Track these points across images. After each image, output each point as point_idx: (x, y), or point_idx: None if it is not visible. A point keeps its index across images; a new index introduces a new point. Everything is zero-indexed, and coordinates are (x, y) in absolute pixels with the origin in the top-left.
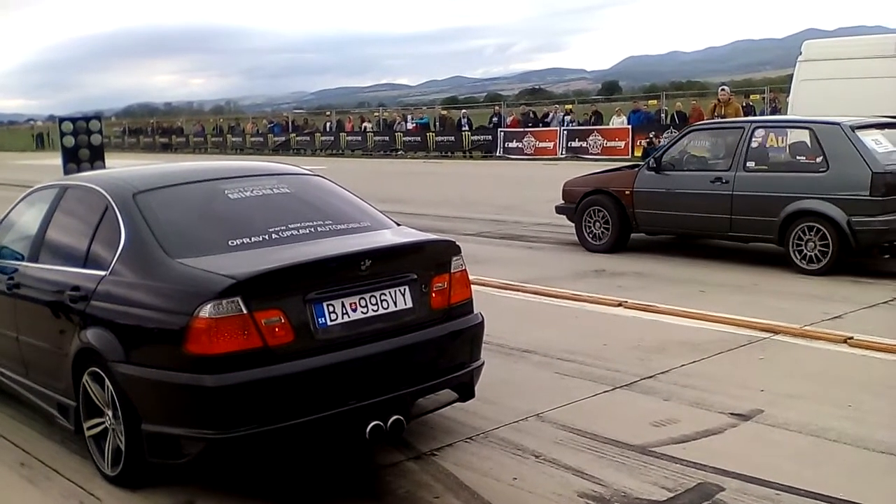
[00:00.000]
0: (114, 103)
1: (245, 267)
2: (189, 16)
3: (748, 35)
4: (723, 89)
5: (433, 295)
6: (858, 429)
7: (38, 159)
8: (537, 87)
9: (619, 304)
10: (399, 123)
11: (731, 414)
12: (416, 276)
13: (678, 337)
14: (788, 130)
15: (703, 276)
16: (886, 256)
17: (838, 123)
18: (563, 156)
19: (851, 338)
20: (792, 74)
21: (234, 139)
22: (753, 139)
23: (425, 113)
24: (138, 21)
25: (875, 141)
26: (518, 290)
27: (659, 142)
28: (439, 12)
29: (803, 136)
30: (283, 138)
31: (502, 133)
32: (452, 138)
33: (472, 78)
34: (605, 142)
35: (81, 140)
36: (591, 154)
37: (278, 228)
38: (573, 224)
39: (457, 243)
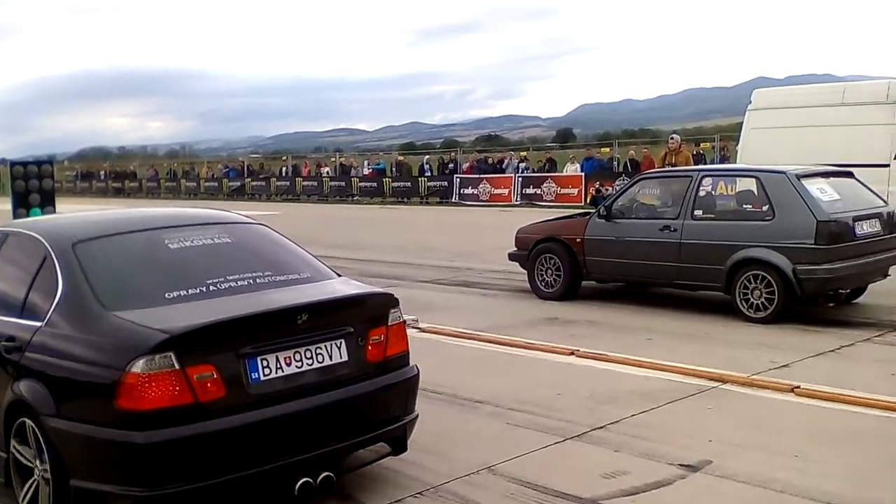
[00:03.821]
0: (67, 147)
1: (180, 321)
2: (146, 59)
3: (699, 83)
4: (672, 138)
5: (369, 348)
6: (804, 479)
7: None
8: (493, 133)
9: (572, 353)
10: (356, 169)
11: (681, 465)
12: (352, 329)
13: (629, 386)
14: (735, 179)
15: (653, 325)
16: (832, 305)
17: (784, 172)
18: (517, 202)
19: (798, 387)
20: (742, 122)
21: (188, 184)
22: (701, 188)
23: (382, 158)
24: (96, 64)
25: (820, 190)
26: (472, 339)
27: (607, 190)
28: (399, 58)
29: (750, 184)
30: (239, 183)
31: (458, 179)
32: (409, 184)
33: (430, 124)
34: (559, 189)
35: (32, 185)
36: (546, 201)
37: (217, 280)
38: (526, 271)
39: (394, 296)
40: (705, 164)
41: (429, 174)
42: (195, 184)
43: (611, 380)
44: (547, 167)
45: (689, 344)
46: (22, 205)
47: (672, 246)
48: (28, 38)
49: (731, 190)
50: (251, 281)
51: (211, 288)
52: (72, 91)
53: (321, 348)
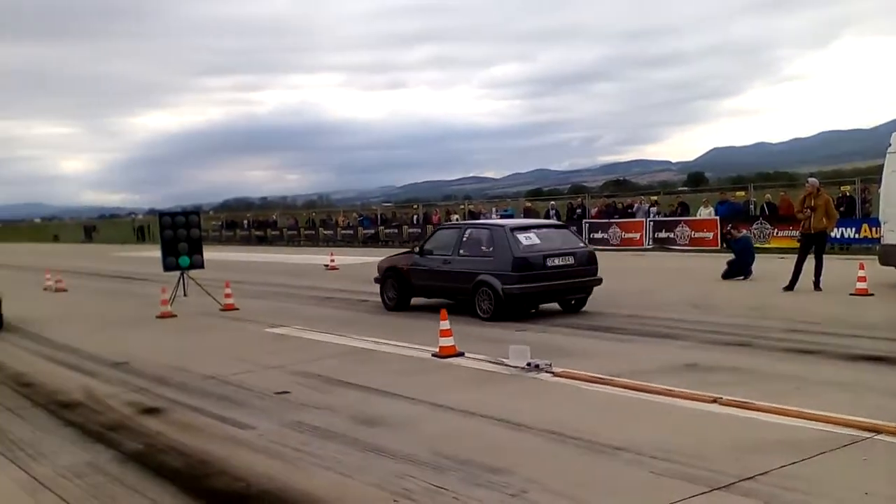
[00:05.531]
0: (212, 198)
1: None
2: (286, 115)
3: (835, 126)
4: (809, 181)
5: None
6: None
7: (138, 251)
8: (622, 178)
9: (714, 401)
10: (485, 215)
11: None
12: None
13: (776, 436)
14: (481, 230)
15: (801, 372)
16: (533, 311)
17: (503, 226)
18: (649, 246)
19: None
20: (882, 164)
21: (325, 232)
22: (465, 235)
23: (510, 205)
24: (238, 119)
25: (526, 237)
26: (608, 384)
27: (738, 232)
28: (526, 107)
29: (486, 234)
30: (372, 231)
31: (587, 224)
32: None
33: (557, 170)
34: (693, 233)
35: (181, 234)
36: (679, 245)
37: None
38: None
39: None
40: (855, 205)
41: (555, 219)
42: (332, 232)
43: (756, 429)
44: (679, 211)
45: (840, 392)
46: (171, 253)
47: (449, 273)
48: (172, 98)
49: (479, 237)
50: None
51: None
52: (213, 146)
53: None
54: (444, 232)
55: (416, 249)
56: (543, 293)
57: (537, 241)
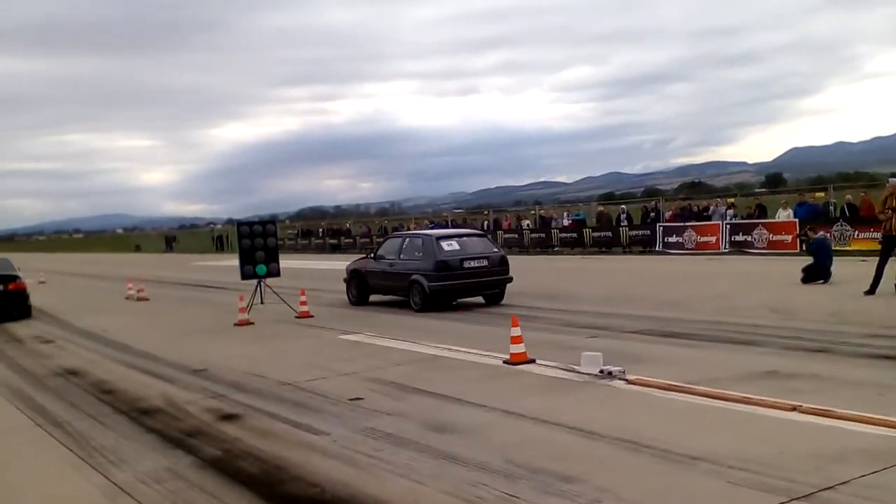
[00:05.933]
0: (288, 207)
1: None
2: (360, 124)
3: None
4: (889, 181)
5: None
6: None
7: (216, 260)
8: (696, 180)
9: (794, 409)
10: (556, 220)
11: None
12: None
13: (859, 444)
14: (415, 239)
15: (883, 379)
16: (454, 303)
17: (431, 236)
18: (726, 250)
19: None
20: None
21: None
22: (405, 243)
23: (582, 209)
24: (314, 129)
25: (448, 244)
26: (684, 392)
27: (814, 233)
28: (597, 110)
29: (419, 242)
30: None
31: (661, 228)
32: (609, 234)
33: (630, 173)
34: (771, 235)
35: (258, 243)
36: (757, 248)
37: None
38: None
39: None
40: None
41: (626, 223)
42: None
43: (838, 437)
44: (757, 213)
45: None
46: (248, 261)
47: (393, 274)
48: (250, 109)
49: (415, 244)
50: None
51: None
52: (290, 155)
53: None
54: (391, 241)
55: (372, 255)
56: (461, 289)
57: (457, 247)
